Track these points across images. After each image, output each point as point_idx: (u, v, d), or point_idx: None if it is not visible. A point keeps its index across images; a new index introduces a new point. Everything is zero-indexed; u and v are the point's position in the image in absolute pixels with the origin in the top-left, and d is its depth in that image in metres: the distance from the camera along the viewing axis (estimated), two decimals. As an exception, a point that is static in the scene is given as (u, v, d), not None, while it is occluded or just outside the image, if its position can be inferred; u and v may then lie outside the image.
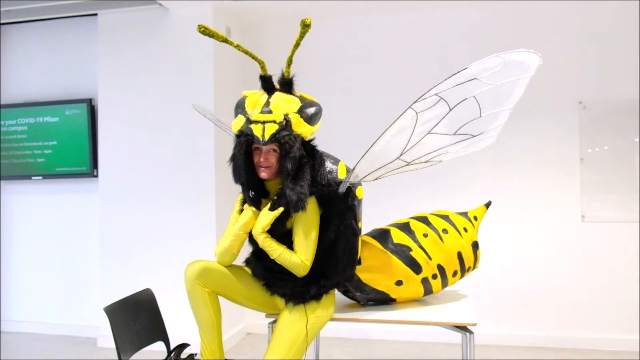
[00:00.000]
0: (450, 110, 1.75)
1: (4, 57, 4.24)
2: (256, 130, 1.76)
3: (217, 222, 3.59)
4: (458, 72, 1.66)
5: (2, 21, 3.95)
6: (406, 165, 1.92)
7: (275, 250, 1.84)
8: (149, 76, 3.70)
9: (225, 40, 1.83)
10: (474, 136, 1.83)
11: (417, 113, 1.76)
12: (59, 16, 3.91)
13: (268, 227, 1.84)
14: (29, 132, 4.06)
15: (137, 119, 3.72)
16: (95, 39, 3.88)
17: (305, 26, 1.74)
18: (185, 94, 3.59)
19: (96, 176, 3.89)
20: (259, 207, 1.90)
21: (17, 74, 4.22)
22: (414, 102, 1.74)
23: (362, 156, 1.87)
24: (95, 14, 3.81)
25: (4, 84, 4.24)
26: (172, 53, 3.66)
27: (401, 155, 1.87)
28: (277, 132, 1.76)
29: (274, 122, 1.76)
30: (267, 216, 1.82)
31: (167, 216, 3.65)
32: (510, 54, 1.64)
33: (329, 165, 1.93)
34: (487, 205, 2.37)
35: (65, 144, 3.99)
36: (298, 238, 1.85)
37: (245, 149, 1.81)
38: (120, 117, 3.76)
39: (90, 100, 3.92)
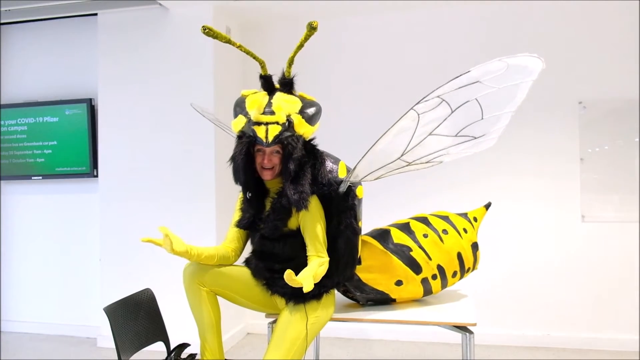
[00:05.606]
0: (452, 112, 1.74)
1: (4, 57, 4.24)
2: (259, 131, 1.75)
3: (217, 222, 3.59)
4: (460, 75, 1.65)
5: (2, 21, 3.95)
6: (407, 165, 1.92)
7: (317, 273, 1.72)
8: (149, 76, 3.70)
9: (229, 41, 1.83)
10: (475, 138, 1.83)
11: (418, 114, 1.75)
12: (59, 16, 3.90)
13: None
14: (28, 132, 4.06)
15: (137, 119, 3.72)
16: (95, 39, 3.88)
17: (312, 29, 1.71)
18: (186, 93, 3.59)
19: (96, 176, 3.88)
20: (256, 209, 1.90)
21: (17, 74, 4.21)
22: (416, 104, 1.73)
23: (363, 156, 1.86)
24: (95, 14, 3.81)
25: (4, 84, 4.24)
26: (172, 53, 3.65)
27: (402, 155, 1.87)
28: (280, 133, 1.75)
29: (277, 123, 1.75)
30: (310, 279, 1.61)
31: (167, 216, 3.65)
32: (514, 58, 1.63)
33: (329, 164, 1.93)
34: (487, 206, 2.38)
35: (65, 144, 3.99)
36: (311, 239, 1.84)
37: (246, 150, 1.81)
38: (120, 117, 3.75)
39: (90, 100, 3.92)
